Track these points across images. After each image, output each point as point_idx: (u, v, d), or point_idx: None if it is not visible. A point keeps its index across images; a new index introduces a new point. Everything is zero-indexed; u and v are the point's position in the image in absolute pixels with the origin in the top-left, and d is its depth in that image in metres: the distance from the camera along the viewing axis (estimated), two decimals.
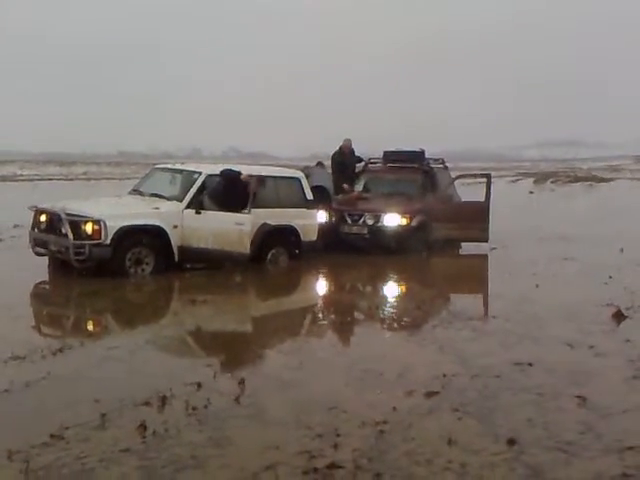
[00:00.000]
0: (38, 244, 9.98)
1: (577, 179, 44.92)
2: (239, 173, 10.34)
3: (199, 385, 5.18)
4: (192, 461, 3.96)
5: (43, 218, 9.97)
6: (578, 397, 5.12)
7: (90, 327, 7.63)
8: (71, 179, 42.86)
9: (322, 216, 11.89)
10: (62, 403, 4.87)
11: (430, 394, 5.13)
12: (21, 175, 46.32)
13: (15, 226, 13.62)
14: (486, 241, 12.78)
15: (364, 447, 4.18)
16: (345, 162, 14.02)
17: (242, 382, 5.31)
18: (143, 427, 4.36)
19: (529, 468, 3.95)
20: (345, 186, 13.50)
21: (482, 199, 13.01)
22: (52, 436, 4.20)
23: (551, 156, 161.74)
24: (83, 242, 9.21)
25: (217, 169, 10.64)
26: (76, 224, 9.35)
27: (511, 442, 4.26)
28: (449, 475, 3.85)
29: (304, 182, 11.48)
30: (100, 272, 9.28)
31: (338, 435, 4.33)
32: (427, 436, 4.38)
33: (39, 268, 9.90)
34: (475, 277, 11.50)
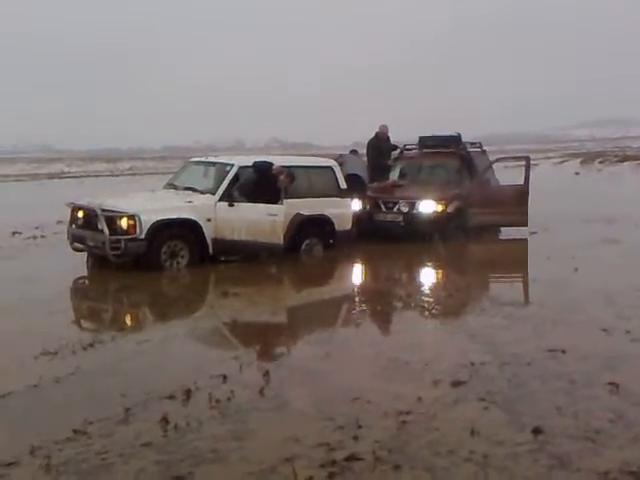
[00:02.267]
0: (76, 240, 10.14)
1: (625, 158, 43.96)
2: (271, 164, 10.32)
3: (224, 378, 5.18)
4: (211, 455, 3.96)
5: (80, 214, 10.11)
6: (610, 384, 4.97)
7: (123, 321, 7.66)
8: (117, 175, 43.45)
9: (356, 204, 11.81)
10: (89, 398, 4.92)
11: (457, 383, 5.04)
12: (68, 172, 47.10)
13: (58, 222, 13.80)
14: (525, 225, 12.50)
15: (385, 438, 4.12)
16: (381, 148, 13.91)
17: (267, 374, 5.30)
18: (165, 421, 4.38)
19: (554, 458, 3.84)
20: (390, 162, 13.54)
21: (521, 182, 12.74)
22: (75, 431, 4.24)
23: (599, 135, 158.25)
24: (119, 237, 9.32)
25: (249, 161, 10.64)
26: (112, 219, 9.46)
27: (537, 431, 4.16)
28: (470, 467, 3.76)
29: (337, 171, 11.40)
30: (137, 266, 9.37)
31: (359, 427, 4.28)
32: (450, 427, 4.30)
33: (80, 264, 10.03)
34: (512, 262, 11.24)
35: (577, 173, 33.95)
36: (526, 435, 4.14)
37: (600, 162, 42.82)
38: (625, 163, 39.52)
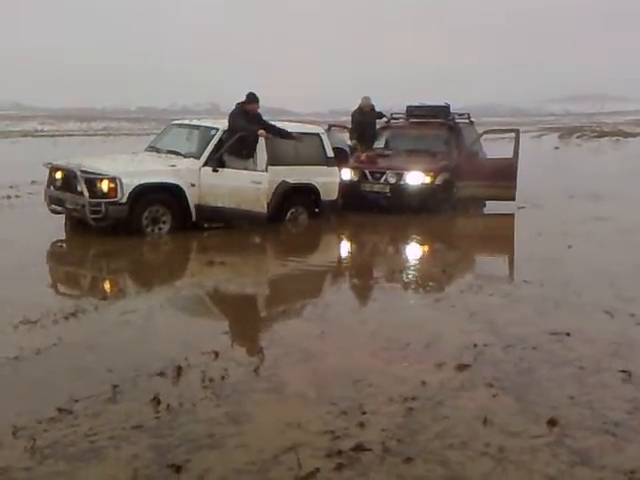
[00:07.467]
0: (54, 202, 9.73)
1: (603, 134, 44.03)
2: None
3: (216, 354, 4.89)
4: (208, 440, 3.67)
5: (59, 175, 9.70)
6: (622, 371, 4.76)
7: (105, 289, 7.31)
8: (90, 135, 42.61)
9: (345, 174, 11.53)
10: (73, 373, 4.61)
11: (461, 367, 4.80)
12: (41, 130, 46.14)
13: (32, 182, 13.37)
14: (513, 199, 12.28)
15: (392, 426, 3.86)
16: (365, 121, 13.51)
17: (261, 351, 5.04)
18: (157, 401, 4.09)
19: (574, 453, 3.61)
20: (353, 142, 13.10)
21: (510, 155, 12.50)
22: (60, 410, 3.94)
23: (575, 110, 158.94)
24: (99, 200, 8.93)
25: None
26: (92, 182, 9.07)
27: (552, 423, 3.93)
28: (487, 461, 3.52)
29: (324, 138, 11.05)
30: (117, 231, 9.00)
31: (364, 412, 4.03)
32: (460, 415, 4.05)
33: (57, 226, 9.64)
34: (504, 238, 10.97)
35: (557, 148, 33.90)
36: (541, 426, 3.90)
37: (578, 137, 42.79)
38: (604, 139, 39.53)
